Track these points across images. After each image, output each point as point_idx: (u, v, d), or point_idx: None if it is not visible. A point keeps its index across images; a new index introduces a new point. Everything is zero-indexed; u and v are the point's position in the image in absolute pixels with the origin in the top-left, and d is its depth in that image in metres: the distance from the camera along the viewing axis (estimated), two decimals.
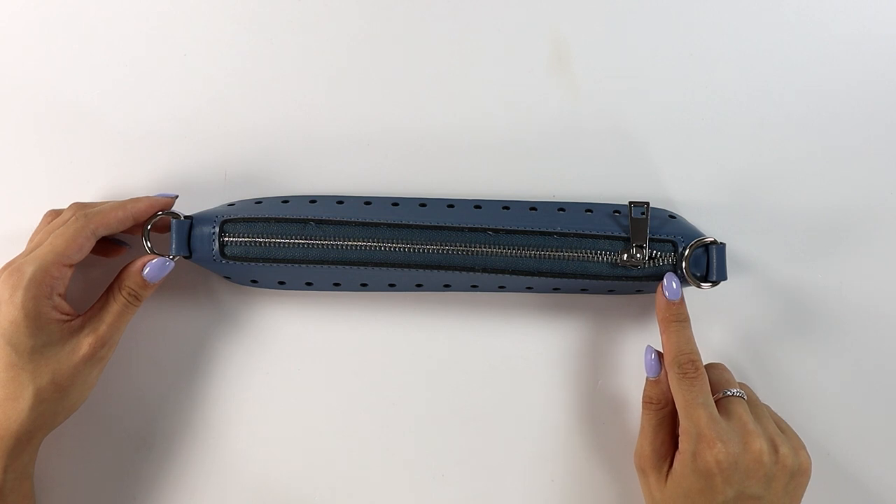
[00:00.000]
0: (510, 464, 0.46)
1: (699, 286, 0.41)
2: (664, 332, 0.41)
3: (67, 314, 0.40)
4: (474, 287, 0.44)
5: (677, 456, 0.40)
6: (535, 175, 0.46)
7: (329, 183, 0.46)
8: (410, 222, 0.41)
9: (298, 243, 0.41)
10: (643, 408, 0.42)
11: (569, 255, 0.41)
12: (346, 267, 0.41)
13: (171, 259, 0.41)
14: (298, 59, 0.46)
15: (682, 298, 0.41)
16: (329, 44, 0.47)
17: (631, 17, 0.47)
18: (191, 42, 0.46)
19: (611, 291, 0.44)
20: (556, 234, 0.41)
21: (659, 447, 0.41)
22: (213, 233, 0.41)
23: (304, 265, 0.41)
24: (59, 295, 0.39)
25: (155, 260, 0.41)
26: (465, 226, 0.41)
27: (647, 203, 0.41)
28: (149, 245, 0.42)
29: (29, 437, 0.39)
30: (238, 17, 0.47)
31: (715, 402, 0.40)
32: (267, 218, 0.41)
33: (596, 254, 0.41)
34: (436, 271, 0.41)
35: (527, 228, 0.41)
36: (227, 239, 0.41)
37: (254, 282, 0.44)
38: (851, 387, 0.46)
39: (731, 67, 0.47)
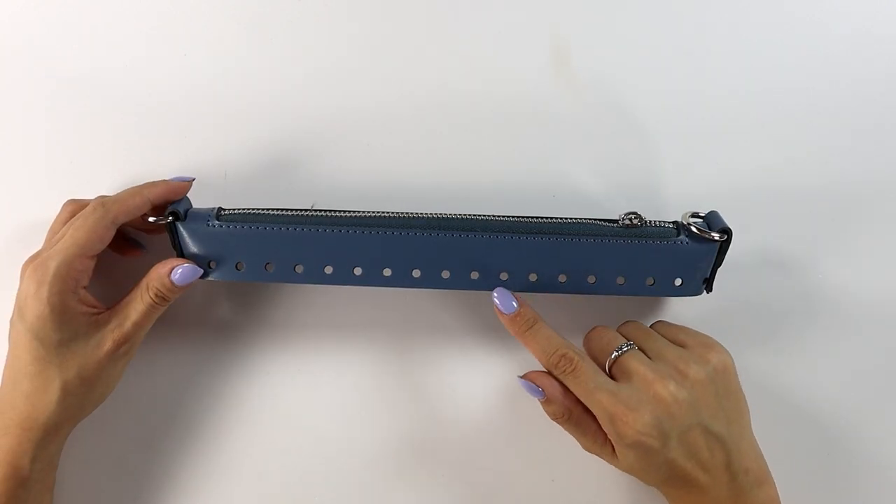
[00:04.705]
0: (510, 464, 0.46)
1: (712, 238, 0.41)
2: (524, 344, 0.41)
3: (93, 307, 0.40)
4: (474, 279, 0.42)
5: (611, 439, 0.40)
6: (535, 174, 0.46)
7: (329, 183, 0.46)
8: (411, 214, 0.41)
9: (294, 213, 0.41)
10: (557, 422, 0.42)
11: (569, 222, 0.41)
12: (341, 232, 0.40)
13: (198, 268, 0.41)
14: (299, 59, 0.46)
15: (521, 303, 0.40)
16: (329, 44, 0.47)
17: (631, 17, 0.47)
18: (191, 42, 0.46)
19: (620, 281, 0.42)
20: (555, 218, 0.41)
21: (594, 438, 0.40)
22: (212, 210, 0.42)
23: (295, 232, 0.41)
24: (84, 287, 0.40)
25: (187, 265, 0.41)
26: (463, 215, 0.41)
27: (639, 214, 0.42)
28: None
29: (57, 429, 0.40)
30: (238, 16, 0.47)
31: (610, 366, 0.40)
32: (263, 208, 0.42)
33: (597, 225, 0.41)
34: (434, 250, 0.41)
35: (525, 217, 0.41)
36: (223, 212, 0.42)
37: (239, 269, 0.42)
38: (851, 386, 0.46)
39: (732, 67, 0.47)
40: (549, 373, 0.41)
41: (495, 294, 0.41)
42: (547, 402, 0.41)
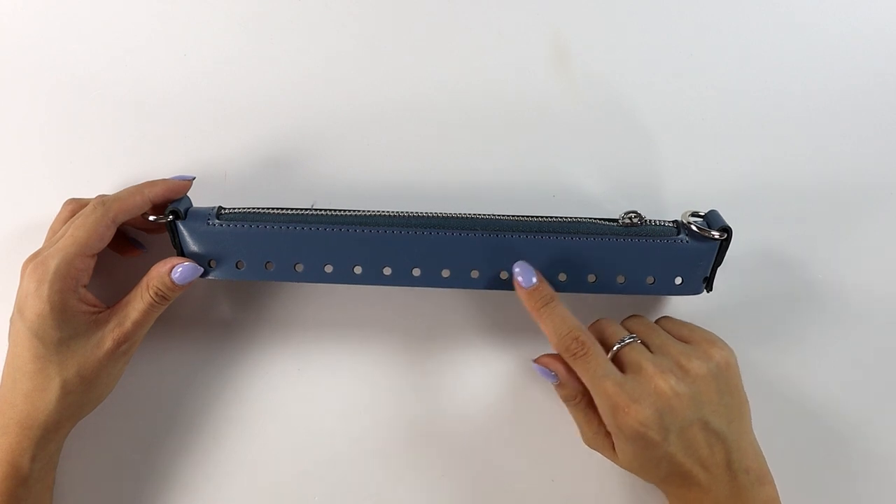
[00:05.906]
0: (510, 464, 0.46)
1: (712, 237, 0.41)
2: (538, 320, 0.40)
3: (93, 305, 0.40)
4: (474, 278, 0.42)
5: (610, 432, 0.40)
6: (535, 174, 0.46)
7: (329, 183, 0.46)
8: (411, 213, 0.41)
9: (294, 212, 0.41)
10: (566, 405, 0.42)
11: (569, 221, 0.41)
12: (341, 231, 0.40)
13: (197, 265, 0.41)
14: (298, 59, 0.47)
15: (540, 279, 0.40)
16: (329, 44, 0.47)
17: (631, 17, 0.47)
18: (191, 42, 0.46)
19: (621, 280, 0.42)
20: (555, 218, 0.41)
21: (598, 429, 0.41)
22: (212, 209, 0.42)
23: (295, 231, 0.41)
24: (84, 286, 0.40)
25: (187, 263, 0.41)
26: (463, 214, 0.41)
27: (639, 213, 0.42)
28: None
29: (56, 428, 0.40)
30: (238, 16, 0.47)
31: (612, 358, 0.40)
32: (263, 207, 0.42)
33: (597, 224, 0.41)
34: (434, 249, 0.41)
35: (525, 216, 0.41)
36: (224, 211, 0.42)
37: (239, 268, 0.42)
38: (851, 384, 0.46)
39: (732, 67, 0.47)
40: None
41: (517, 267, 0.40)
42: (560, 385, 0.41)
